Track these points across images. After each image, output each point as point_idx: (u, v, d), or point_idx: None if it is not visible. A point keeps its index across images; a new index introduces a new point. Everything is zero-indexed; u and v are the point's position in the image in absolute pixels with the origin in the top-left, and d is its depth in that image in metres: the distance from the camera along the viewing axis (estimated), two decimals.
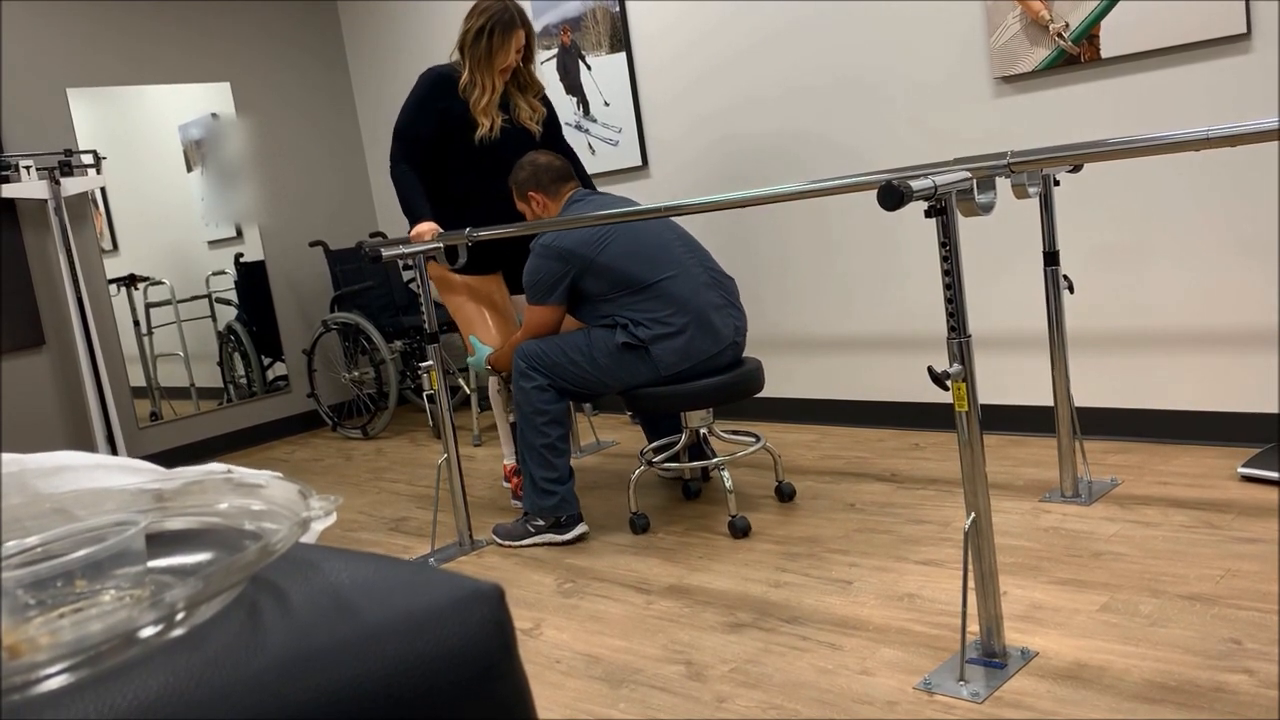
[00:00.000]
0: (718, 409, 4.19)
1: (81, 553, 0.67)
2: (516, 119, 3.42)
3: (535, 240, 3.06)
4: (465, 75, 3.31)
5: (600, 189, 4.35)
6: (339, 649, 0.62)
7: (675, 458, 3.30)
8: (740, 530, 2.95)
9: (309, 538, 0.82)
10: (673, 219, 3.20)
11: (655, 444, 3.41)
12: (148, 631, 0.61)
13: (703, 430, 3.21)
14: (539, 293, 3.06)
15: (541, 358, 3.03)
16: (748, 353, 4.22)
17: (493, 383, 3.69)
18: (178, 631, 0.63)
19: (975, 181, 1.98)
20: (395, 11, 5.39)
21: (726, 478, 3.02)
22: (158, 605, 0.60)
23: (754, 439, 3.28)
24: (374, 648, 0.63)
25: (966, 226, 3.50)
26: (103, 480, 0.86)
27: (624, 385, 3.04)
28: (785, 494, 3.21)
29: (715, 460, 3.14)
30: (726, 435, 3.35)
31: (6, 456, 0.85)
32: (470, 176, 3.41)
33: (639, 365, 2.98)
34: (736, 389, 3.02)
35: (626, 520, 3.24)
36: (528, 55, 3.38)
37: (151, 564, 0.73)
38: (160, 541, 0.76)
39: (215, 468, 0.83)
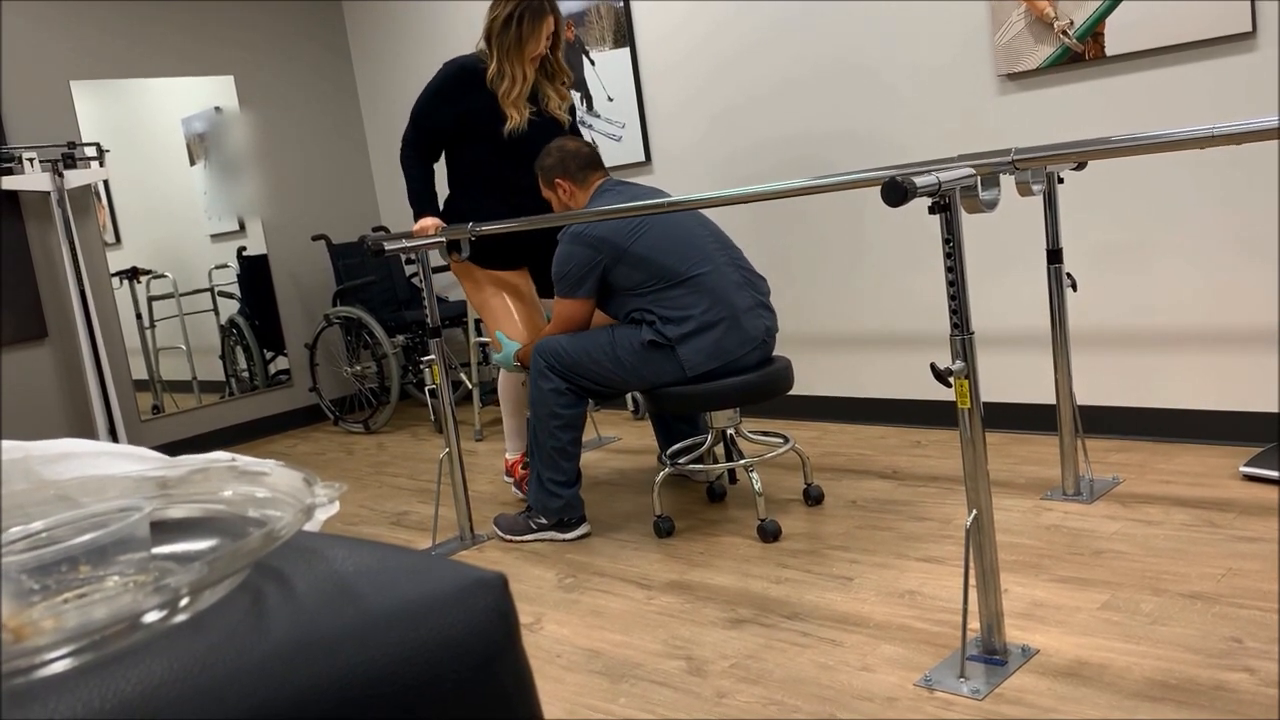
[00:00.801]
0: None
1: (86, 538, 0.67)
2: (546, 109, 3.30)
3: (565, 228, 2.94)
4: (493, 65, 3.17)
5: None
6: (342, 636, 0.62)
7: (700, 459, 3.16)
8: (771, 534, 2.84)
9: (313, 525, 0.82)
10: (704, 213, 3.12)
11: (679, 445, 3.29)
12: (151, 617, 0.61)
13: (730, 431, 3.08)
14: (569, 284, 2.95)
15: (561, 356, 2.95)
16: None
17: (505, 375, 3.54)
18: (181, 617, 0.63)
19: (979, 178, 1.98)
20: (399, 6, 5.39)
21: (756, 480, 2.91)
22: (161, 590, 0.60)
23: (783, 440, 3.15)
24: (377, 635, 0.63)
25: (970, 224, 3.50)
26: (107, 467, 0.86)
27: (647, 385, 2.94)
28: (813, 496, 3.10)
29: (742, 461, 3.02)
30: (754, 436, 3.17)
31: (10, 443, 0.85)
32: (497, 168, 3.30)
33: (664, 365, 2.88)
34: (764, 389, 2.90)
35: (631, 517, 3.23)
36: (555, 42, 3.23)
37: (155, 550, 0.73)
38: (164, 529, 0.76)
39: (219, 456, 0.83)
